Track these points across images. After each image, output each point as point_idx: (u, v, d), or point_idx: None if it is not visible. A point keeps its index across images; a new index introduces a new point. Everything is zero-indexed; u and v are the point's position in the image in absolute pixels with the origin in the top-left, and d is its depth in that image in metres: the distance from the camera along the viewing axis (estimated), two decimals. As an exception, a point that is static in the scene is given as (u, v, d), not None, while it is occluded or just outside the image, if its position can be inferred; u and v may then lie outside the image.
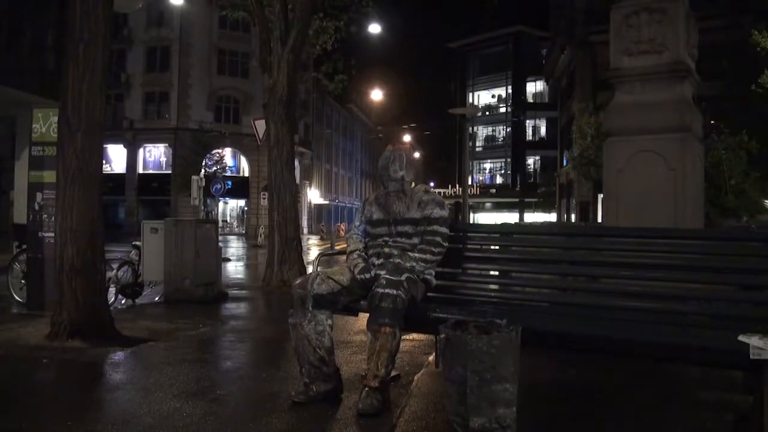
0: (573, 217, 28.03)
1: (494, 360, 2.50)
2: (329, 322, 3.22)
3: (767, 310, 2.92)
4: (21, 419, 2.94)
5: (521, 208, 48.73)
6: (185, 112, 36.60)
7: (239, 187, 35.12)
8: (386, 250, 3.39)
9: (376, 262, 3.37)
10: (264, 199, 23.24)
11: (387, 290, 2.99)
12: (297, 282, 3.30)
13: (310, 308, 3.16)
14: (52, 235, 5.53)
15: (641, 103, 5.15)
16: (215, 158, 32.70)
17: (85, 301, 4.75)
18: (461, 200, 17.51)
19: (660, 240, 3.42)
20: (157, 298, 7.42)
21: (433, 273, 3.46)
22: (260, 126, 11.73)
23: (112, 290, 6.75)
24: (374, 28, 15.22)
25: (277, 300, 8.01)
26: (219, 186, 21.69)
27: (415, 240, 3.40)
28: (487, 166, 55.63)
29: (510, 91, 51.61)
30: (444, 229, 3.39)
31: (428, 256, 3.33)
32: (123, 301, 7.17)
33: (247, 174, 38.45)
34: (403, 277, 3.08)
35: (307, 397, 3.15)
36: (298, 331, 3.17)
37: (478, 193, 50.10)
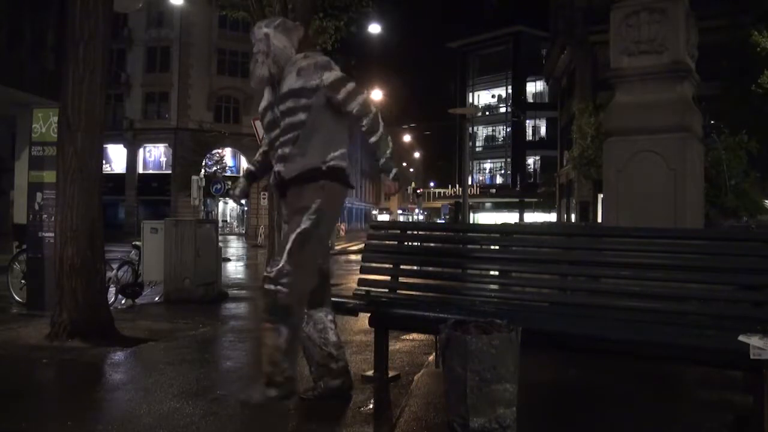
0: (573, 217, 28.01)
1: (494, 360, 2.50)
2: (330, 317, 3.17)
3: (767, 310, 2.92)
4: (21, 419, 2.94)
5: (521, 208, 48.68)
6: (185, 112, 36.58)
7: (239, 187, 35.00)
8: (279, 152, 2.98)
9: (276, 168, 3.04)
10: (264, 199, 23.22)
11: (267, 286, 2.87)
12: None
13: (306, 309, 3.08)
14: (52, 235, 5.52)
15: (641, 103, 5.14)
16: (215, 158, 32.72)
17: (85, 301, 4.75)
18: (461, 200, 17.49)
19: (660, 240, 3.42)
20: (157, 298, 7.41)
21: (380, 128, 3.09)
22: (260, 126, 11.71)
23: (112, 290, 6.75)
24: (374, 28, 15.25)
25: (277, 300, 7.99)
26: (219, 186, 21.69)
27: (302, 116, 2.94)
28: (487, 166, 55.59)
29: (510, 91, 51.56)
30: (351, 85, 2.93)
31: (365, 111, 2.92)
32: (123, 301, 7.17)
33: (247, 174, 38.41)
34: (282, 263, 2.83)
35: (314, 393, 3.14)
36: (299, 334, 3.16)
37: (478, 193, 50.04)
